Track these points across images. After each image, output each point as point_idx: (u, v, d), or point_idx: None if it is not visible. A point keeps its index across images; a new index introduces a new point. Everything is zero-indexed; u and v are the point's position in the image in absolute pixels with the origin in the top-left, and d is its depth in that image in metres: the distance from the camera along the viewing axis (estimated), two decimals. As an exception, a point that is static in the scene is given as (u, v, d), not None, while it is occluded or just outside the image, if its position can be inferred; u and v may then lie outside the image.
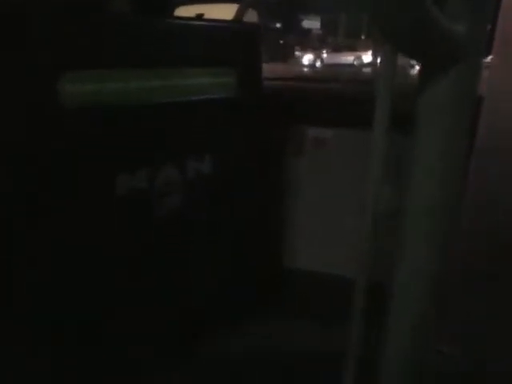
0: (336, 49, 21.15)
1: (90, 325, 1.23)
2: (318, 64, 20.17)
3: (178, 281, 1.47)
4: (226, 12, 1.97)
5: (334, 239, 2.08)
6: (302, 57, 20.65)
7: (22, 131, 1.03)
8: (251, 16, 2.05)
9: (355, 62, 20.05)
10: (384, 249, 0.79)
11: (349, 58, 20.15)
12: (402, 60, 0.71)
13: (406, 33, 0.50)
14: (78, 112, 1.11)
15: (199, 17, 1.48)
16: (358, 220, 1.40)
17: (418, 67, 0.66)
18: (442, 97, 0.59)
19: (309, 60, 20.49)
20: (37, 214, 1.09)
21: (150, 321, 1.40)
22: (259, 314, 1.77)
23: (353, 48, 20.91)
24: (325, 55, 20.72)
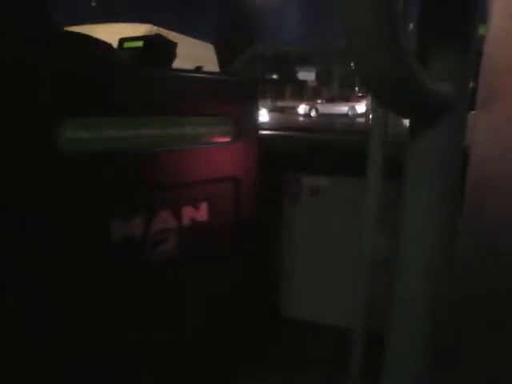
0: (330, 99, 21.74)
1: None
2: (313, 114, 20.68)
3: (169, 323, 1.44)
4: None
5: (329, 288, 2.05)
6: (297, 107, 21.18)
7: (20, 175, 1.04)
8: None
9: (349, 112, 20.57)
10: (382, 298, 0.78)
11: (343, 108, 20.69)
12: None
13: (390, 91, 0.51)
14: (75, 157, 1.13)
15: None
16: (354, 269, 1.40)
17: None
18: (428, 151, 0.61)
19: (304, 110, 21.02)
20: (32, 256, 1.08)
21: (139, 362, 1.37)
22: (256, 364, 1.73)
23: (347, 99, 21.50)
24: (319, 105, 21.26)
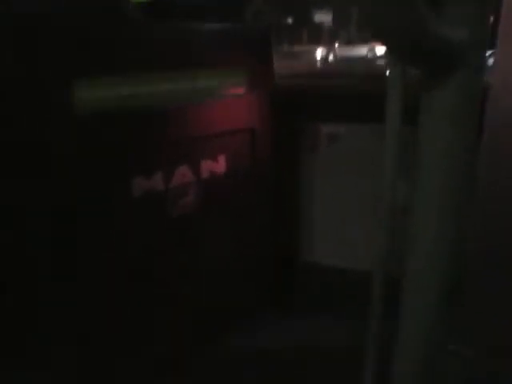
0: (348, 42, 20.90)
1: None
2: (331, 58, 19.99)
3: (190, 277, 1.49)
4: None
5: (349, 233, 2.07)
6: (314, 51, 20.47)
7: (38, 137, 1.06)
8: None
9: (368, 55, 19.80)
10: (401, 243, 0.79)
11: (362, 51, 19.91)
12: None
13: (404, 41, 0.50)
14: (90, 117, 1.13)
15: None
16: (373, 214, 1.40)
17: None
18: (444, 103, 0.59)
19: (321, 54, 20.31)
20: (57, 217, 1.12)
21: (164, 319, 1.42)
22: (276, 307, 1.79)
23: (365, 40, 20.63)
24: (337, 49, 20.50)
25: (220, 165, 1.50)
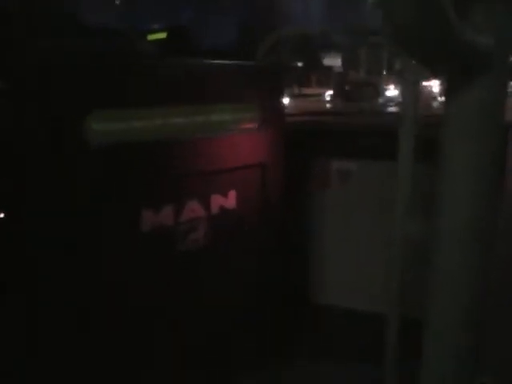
0: (358, 85, 21.31)
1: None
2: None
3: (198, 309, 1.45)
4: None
5: (362, 273, 2.03)
6: (323, 93, 20.86)
7: (50, 168, 1.07)
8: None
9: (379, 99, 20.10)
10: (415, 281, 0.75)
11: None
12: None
13: (429, 46, 0.49)
14: (103, 149, 1.14)
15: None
16: (386, 254, 1.37)
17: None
18: (468, 110, 0.57)
19: (331, 96, 20.68)
20: (63, 248, 1.11)
21: (169, 351, 1.38)
22: (287, 348, 1.73)
23: (374, 84, 21.00)
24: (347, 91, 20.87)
25: (230, 200, 1.49)
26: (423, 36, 0.46)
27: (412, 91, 1.19)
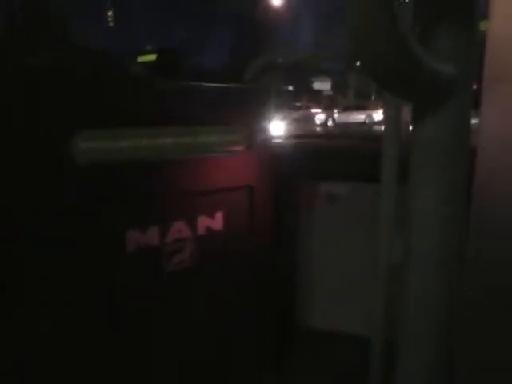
0: (347, 108, 21.64)
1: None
2: (330, 123, 20.59)
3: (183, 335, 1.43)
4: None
5: (348, 296, 2.02)
6: (313, 116, 21.13)
7: (36, 186, 1.06)
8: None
9: (367, 121, 20.42)
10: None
11: (360, 117, 20.56)
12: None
13: (392, 74, 0.50)
14: (90, 168, 1.14)
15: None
16: (373, 276, 1.37)
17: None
18: (434, 135, 0.59)
19: (320, 119, 20.96)
20: (48, 268, 1.10)
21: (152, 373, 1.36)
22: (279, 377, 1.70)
23: (363, 107, 21.37)
24: (336, 115, 21.18)
25: (217, 221, 1.49)
26: (384, 64, 0.48)
27: (394, 114, 1.21)
